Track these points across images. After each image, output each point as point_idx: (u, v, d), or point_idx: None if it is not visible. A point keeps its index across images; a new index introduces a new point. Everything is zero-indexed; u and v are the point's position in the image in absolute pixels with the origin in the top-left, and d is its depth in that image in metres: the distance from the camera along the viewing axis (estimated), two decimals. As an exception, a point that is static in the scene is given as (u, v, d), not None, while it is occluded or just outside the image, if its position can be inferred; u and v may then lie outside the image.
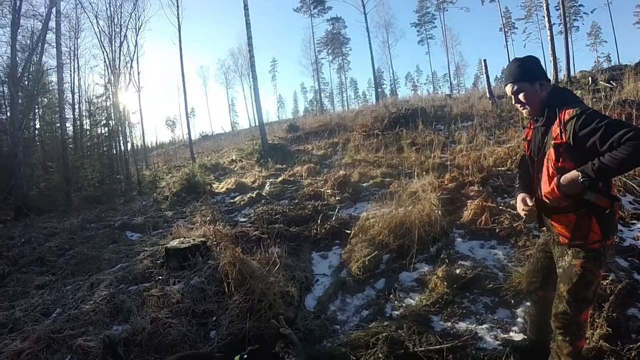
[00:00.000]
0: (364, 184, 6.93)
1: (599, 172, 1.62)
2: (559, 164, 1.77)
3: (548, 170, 1.83)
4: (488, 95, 12.35)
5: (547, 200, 1.88)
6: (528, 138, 2.08)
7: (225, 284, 3.37)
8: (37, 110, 15.09)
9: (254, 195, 7.52)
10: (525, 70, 1.90)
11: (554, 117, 1.80)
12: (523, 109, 1.95)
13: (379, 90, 38.44)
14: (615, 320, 2.52)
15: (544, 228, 2.11)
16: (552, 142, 1.78)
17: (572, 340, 1.89)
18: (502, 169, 6.02)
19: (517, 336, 2.69)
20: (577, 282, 1.82)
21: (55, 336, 3.01)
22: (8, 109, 12.87)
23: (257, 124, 14.19)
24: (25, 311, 3.68)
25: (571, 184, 1.71)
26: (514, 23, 42.38)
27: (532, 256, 2.39)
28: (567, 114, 1.73)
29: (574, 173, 1.70)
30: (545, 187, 1.86)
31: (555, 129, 1.77)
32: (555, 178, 1.78)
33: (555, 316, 1.93)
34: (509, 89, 1.95)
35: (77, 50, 16.99)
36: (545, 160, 1.85)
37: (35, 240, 6.71)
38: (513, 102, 1.98)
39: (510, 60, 1.99)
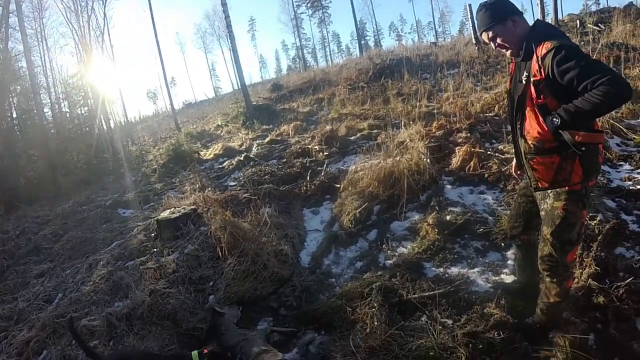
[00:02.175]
0: (352, 137, 6.87)
1: (570, 114, 1.60)
2: (540, 100, 1.72)
3: (533, 109, 1.77)
4: (474, 42, 11.98)
5: (531, 144, 1.84)
6: (511, 72, 2.04)
7: (218, 248, 3.41)
8: (11, 99, 14.40)
9: (242, 158, 7.42)
10: (494, 13, 1.84)
11: (532, 52, 1.73)
12: (506, 51, 1.90)
13: (363, 42, 37.35)
14: (603, 260, 2.53)
15: (523, 175, 2.10)
16: (532, 79, 1.72)
17: (559, 281, 1.93)
18: (490, 114, 5.95)
19: (507, 278, 2.74)
20: (560, 225, 1.82)
21: (60, 321, 3.05)
22: (-21, 102, 12.27)
23: (240, 87, 13.76)
24: (28, 301, 3.70)
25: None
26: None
27: (514, 201, 2.38)
28: (545, 47, 1.65)
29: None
30: (531, 127, 1.81)
31: (534, 65, 1.71)
32: (540, 117, 1.73)
33: (541, 259, 1.95)
34: (484, 37, 1.92)
35: (44, 30, 15.93)
36: (527, 99, 1.79)
37: (29, 230, 6.62)
38: (494, 48, 1.93)
39: (477, 6, 1.92)
